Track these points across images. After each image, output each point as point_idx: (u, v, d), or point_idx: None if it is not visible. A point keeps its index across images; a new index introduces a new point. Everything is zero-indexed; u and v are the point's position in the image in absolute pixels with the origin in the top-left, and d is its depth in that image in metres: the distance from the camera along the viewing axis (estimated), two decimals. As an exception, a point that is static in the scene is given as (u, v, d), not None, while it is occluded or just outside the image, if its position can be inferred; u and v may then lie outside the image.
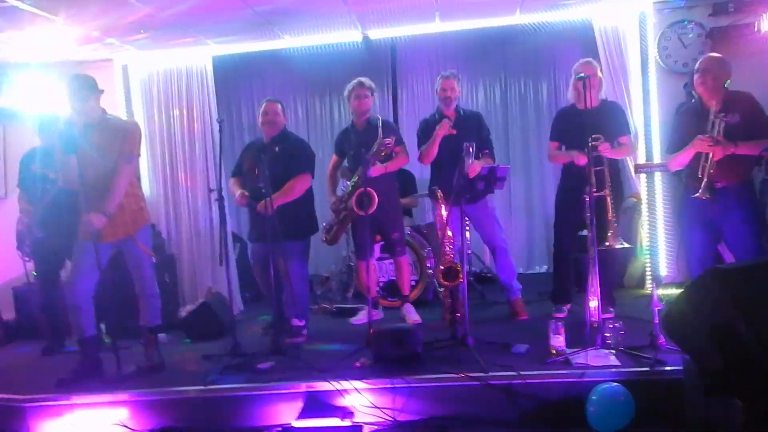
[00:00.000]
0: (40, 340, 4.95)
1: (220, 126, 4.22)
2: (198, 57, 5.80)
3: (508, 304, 4.84)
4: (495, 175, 3.93)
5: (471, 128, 4.60)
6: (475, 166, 4.12)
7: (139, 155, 4.18)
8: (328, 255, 6.66)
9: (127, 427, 3.57)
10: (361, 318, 4.97)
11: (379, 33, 5.63)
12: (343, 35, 5.63)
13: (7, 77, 5.38)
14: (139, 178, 4.32)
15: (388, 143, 4.47)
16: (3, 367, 4.58)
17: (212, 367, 3.95)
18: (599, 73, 4.38)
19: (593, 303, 3.76)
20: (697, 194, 3.66)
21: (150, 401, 3.64)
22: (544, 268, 6.85)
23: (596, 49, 5.37)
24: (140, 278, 4.17)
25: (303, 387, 3.53)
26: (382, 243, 5.21)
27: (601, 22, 5.40)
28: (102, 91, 4.03)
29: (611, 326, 3.66)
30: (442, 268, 3.98)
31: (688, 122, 3.86)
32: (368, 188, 4.26)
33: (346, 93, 4.78)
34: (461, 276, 3.88)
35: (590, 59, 4.43)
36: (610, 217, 3.86)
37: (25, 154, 4.91)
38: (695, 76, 3.80)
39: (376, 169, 4.56)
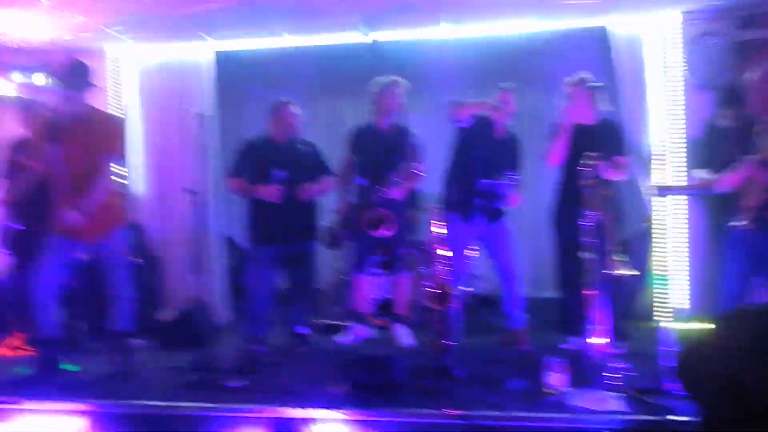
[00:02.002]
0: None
1: (200, 120, 3.93)
2: (197, 52, 5.56)
3: (507, 334, 4.48)
4: (494, 191, 3.60)
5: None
6: (396, 192, 4.15)
7: (122, 153, 3.94)
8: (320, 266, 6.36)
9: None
10: (346, 337, 4.66)
11: (385, 36, 5.35)
12: (348, 36, 5.37)
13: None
14: (121, 176, 4.04)
15: (416, 171, 4.18)
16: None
17: (181, 379, 3.68)
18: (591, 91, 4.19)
19: (596, 337, 3.42)
20: (743, 222, 3.33)
21: (108, 413, 3.37)
22: (550, 294, 6.48)
23: (610, 59, 5.03)
24: (114, 281, 3.94)
25: (271, 412, 3.22)
26: (380, 258, 4.89)
27: (619, 31, 5.04)
28: (95, 86, 3.82)
29: (616, 365, 3.30)
30: (433, 290, 3.65)
31: (735, 139, 3.51)
32: (385, 211, 4.08)
33: (375, 89, 4.45)
34: (451, 299, 3.55)
35: (581, 76, 4.23)
36: (613, 243, 3.54)
37: (12, 142, 4.68)
38: (754, 89, 3.43)
39: (399, 192, 4.29)
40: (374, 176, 4.32)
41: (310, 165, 4.50)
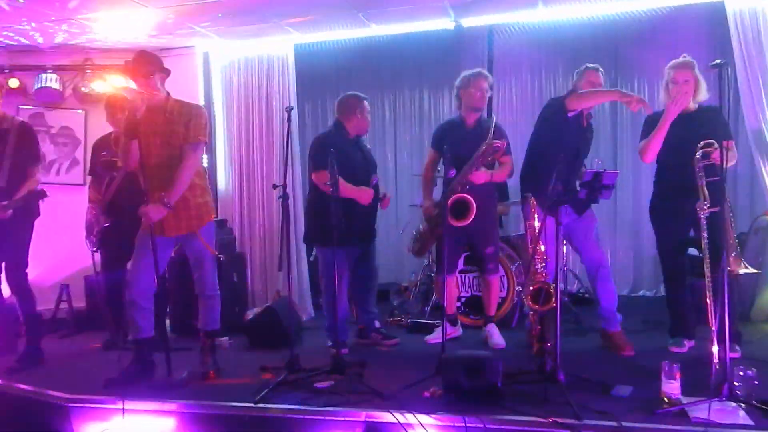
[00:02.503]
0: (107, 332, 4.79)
1: (288, 114, 3.80)
2: (279, 46, 5.52)
3: (605, 338, 4.14)
4: (600, 182, 3.29)
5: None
6: (480, 175, 3.89)
7: (206, 142, 3.85)
8: (407, 263, 6.19)
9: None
10: (437, 336, 4.45)
11: (474, 21, 5.11)
12: (434, 23, 5.19)
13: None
14: (205, 169, 3.98)
15: (498, 146, 3.92)
16: (63, 359, 4.44)
17: (267, 381, 3.58)
18: (698, 75, 3.78)
19: (712, 340, 3.08)
20: None
21: (196, 414, 3.31)
22: (652, 293, 6.07)
23: (728, 36, 4.59)
24: (200, 278, 3.88)
25: (362, 416, 3.06)
26: (467, 254, 4.67)
27: (737, 4, 4.57)
28: (168, 71, 3.74)
29: (741, 373, 2.95)
30: (531, 288, 3.39)
31: None
32: (466, 195, 3.82)
33: (459, 82, 4.21)
34: (554, 299, 3.28)
35: (688, 59, 3.82)
36: (730, 237, 3.18)
37: (98, 140, 4.75)
38: None
39: (481, 175, 4.05)
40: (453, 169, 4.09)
41: (372, 163, 4.46)
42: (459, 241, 4.25)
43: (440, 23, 5.21)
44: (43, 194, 4.06)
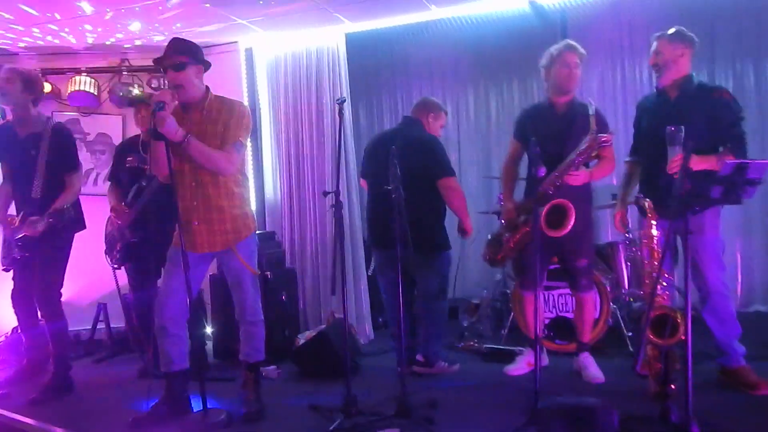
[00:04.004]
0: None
1: (339, 107, 3.20)
2: (329, 36, 4.96)
3: (726, 375, 3.30)
4: (744, 176, 2.51)
5: (697, 109, 3.17)
6: (580, 175, 3.32)
7: (245, 144, 3.29)
8: (476, 276, 5.49)
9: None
10: (519, 366, 3.77)
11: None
12: (503, 2, 4.53)
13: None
14: (246, 176, 3.42)
15: (605, 140, 3.23)
16: (92, 388, 3.95)
17: (320, 422, 3.01)
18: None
19: None
20: None
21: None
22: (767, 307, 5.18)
23: None
24: (240, 301, 3.34)
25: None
26: (554, 267, 3.96)
27: None
28: (206, 63, 3.22)
29: None
30: (653, 316, 2.64)
31: None
32: (566, 201, 3.24)
33: (546, 61, 3.53)
34: (682, 330, 2.53)
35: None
36: None
37: (123, 142, 4.28)
38: None
39: (580, 176, 3.37)
40: (551, 165, 3.37)
41: None
42: (548, 251, 3.55)
43: (512, 2, 4.54)
44: (70, 214, 3.60)
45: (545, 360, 3.86)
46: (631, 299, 4.38)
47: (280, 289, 4.51)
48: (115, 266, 4.22)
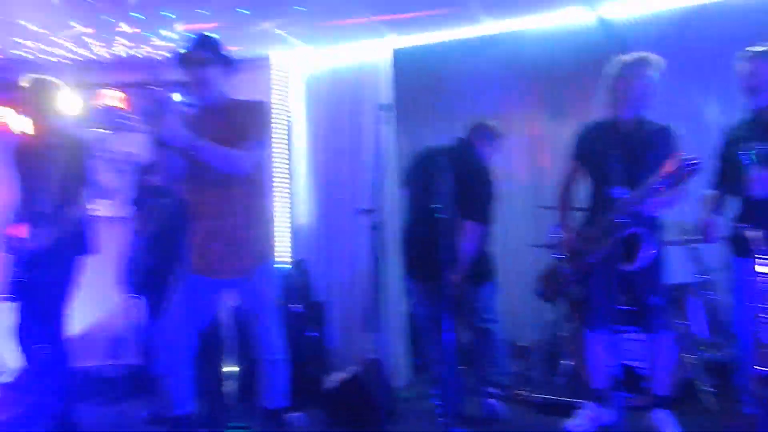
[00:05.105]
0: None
1: (383, 114, 2.82)
2: (372, 52, 4.72)
3: None
4: None
5: None
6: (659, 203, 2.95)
7: (266, 144, 2.97)
8: (525, 316, 4.99)
9: None
10: (582, 422, 3.27)
11: (610, 11, 4.19)
12: (564, 15, 4.29)
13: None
14: (270, 194, 3.09)
15: (693, 165, 2.81)
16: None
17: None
18: None
19: None
20: None
21: None
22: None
23: None
24: (258, 336, 2.96)
25: None
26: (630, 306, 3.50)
27: None
28: (232, 64, 2.92)
29: None
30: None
31: None
32: (641, 234, 2.90)
33: (616, 71, 3.15)
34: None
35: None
36: None
37: (145, 161, 4.01)
38: None
39: (661, 203, 2.99)
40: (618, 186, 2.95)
41: None
42: (617, 288, 3.08)
43: (574, 15, 4.27)
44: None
45: (610, 415, 3.34)
46: (704, 347, 3.90)
47: (306, 323, 4.24)
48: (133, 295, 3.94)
